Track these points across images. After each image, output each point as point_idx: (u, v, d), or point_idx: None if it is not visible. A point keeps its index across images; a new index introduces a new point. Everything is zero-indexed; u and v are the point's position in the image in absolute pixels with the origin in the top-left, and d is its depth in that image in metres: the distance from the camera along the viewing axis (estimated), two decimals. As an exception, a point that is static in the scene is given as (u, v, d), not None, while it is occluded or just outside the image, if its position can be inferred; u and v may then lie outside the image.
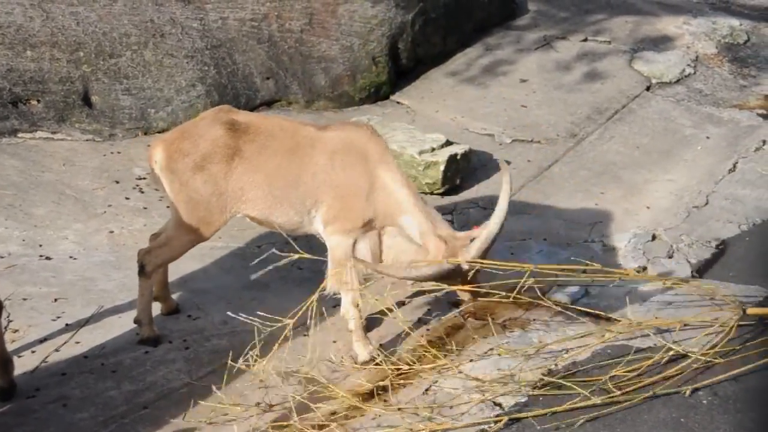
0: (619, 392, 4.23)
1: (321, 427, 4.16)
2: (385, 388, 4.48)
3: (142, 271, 4.77)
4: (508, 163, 7.22)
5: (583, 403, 4.15)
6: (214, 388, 4.28)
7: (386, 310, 4.75)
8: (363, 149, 4.69)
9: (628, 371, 4.39)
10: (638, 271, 5.71)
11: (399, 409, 4.25)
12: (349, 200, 4.62)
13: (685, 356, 4.47)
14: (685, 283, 5.29)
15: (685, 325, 4.75)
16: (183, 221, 4.65)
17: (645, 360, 4.45)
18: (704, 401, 4.20)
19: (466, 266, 4.52)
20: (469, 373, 4.53)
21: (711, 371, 4.36)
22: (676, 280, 4.95)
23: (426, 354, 4.78)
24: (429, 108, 8.23)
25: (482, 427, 4.12)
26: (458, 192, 6.75)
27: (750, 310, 4.77)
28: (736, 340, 4.67)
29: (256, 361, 4.33)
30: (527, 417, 4.13)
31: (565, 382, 4.32)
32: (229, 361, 4.29)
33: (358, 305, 4.76)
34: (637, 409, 4.17)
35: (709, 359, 4.44)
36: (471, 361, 4.68)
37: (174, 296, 5.22)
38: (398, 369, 4.59)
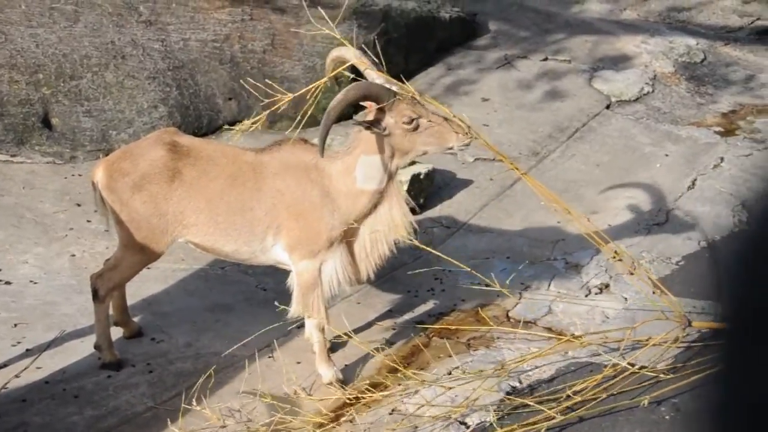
0: (580, 406, 4.27)
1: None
2: (351, 404, 4.50)
3: (95, 295, 4.73)
4: (471, 181, 7.27)
5: (547, 423, 4.16)
6: (170, 423, 4.24)
7: (345, 336, 4.74)
8: (300, 162, 4.65)
9: (587, 386, 4.42)
10: (599, 289, 5.77)
11: None
12: (308, 216, 4.57)
13: (637, 370, 4.52)
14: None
15: (635, 341, 4.81)
16: (129, 242, 4.63)
17: (600, 375, 4.49)
18: (666, 417, 4.24)
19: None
20: (433, 393, 4.54)
21: (669, 385, 4.39)
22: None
23: (390, 375, 4.78)
24: (392, 128, 8.25)
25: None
26: (422, 211, 6.77)
27: (695, 323, 4.85)
28: (687, 353, 4.75)
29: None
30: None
31: (528, 401, 4.34)
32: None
33: (323, 329, 4.76)
34: (601, 426, 4.21)
35: (656, 372, 4.49)
36: (436, 379, 4.68)
37: (137, 319, 5.19)
38: (357, 397, 4.57)
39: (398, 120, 4.41)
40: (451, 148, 4.61)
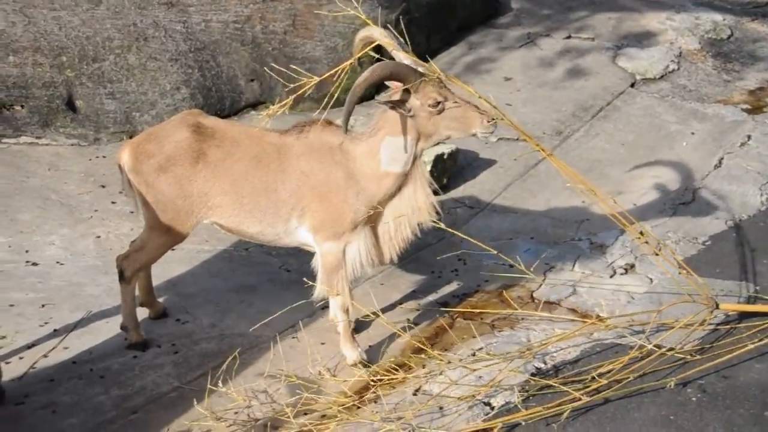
0: (605, 388, 4.27)
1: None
2: (374, 387, 4.51)
3: (122, 276, 4.77)
4: (495, 161, 7.25)
5: (572, 405, 4.15)
6: (195, 403, 4.28)
7: (373, 315, 4.76)
8: (325, 144, 4.63)
9: (613, 368, 4.40)
10: (624, 269, 5.74)
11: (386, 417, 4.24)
12: (332, 198, 4.55)
13: (665, 352, 4.49)
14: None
15: (661, 324, 4.79)
16: (154, 224, 4.66)
17: (626, 356, 4.46)
18: (693, 398, 4.22)
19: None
20: (458, 373, 4.54)
21: (695, 367, 4.37)
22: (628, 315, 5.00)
23: (414, 356, 4.79)
24: (414, 107, 8.23)
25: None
26: (446, 191, 6.76)
27: (723, 306, 4.84)
28: (714, 335, 4.74)
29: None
30: (518, 418, 4.15)
31: (552, 383, 4.33)
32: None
33: (347, 310, 4.76)
34: (627, 407, 4.19)
35: (683, 354, 4.47)
36: (461, 360, 4.68)
37: (162, 300, 5.22)
38: (380, 378, 4.55)
39: (424, 102, 4.38)
40: (474, 134, 4.55)
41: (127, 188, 4.76)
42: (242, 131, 4.77)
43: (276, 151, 4.62)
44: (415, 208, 4.66)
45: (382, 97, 4.49)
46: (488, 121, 4.44)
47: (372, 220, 4.71)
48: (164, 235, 4.70)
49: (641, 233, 4.94)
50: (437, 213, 4.69)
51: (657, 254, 5.03)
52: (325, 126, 4.72)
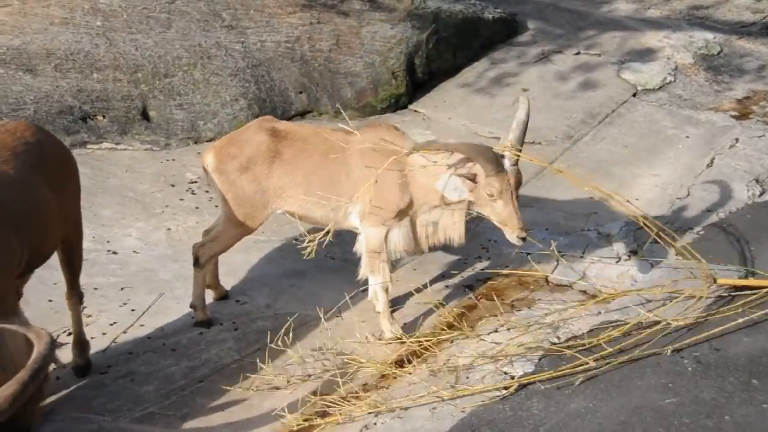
0: (611, 358, 4.22)
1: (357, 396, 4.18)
2: (409, 361, 4.48)
3: (196, 262, 4.79)
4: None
5: (583, 368, 4.13)
6: (259, 362, 4.31)
7: (419, 287, 4.82)
8: (385, 143, 4.62)
9: (618, 335, 4.38)
10: (628, 255, 5.66)
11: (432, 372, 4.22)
12: (384, 191, 4.54)
13: (661, 323, 4.44)
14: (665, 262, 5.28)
15: (670, 294, 4.70)
16: (231, 217, 4.66)
17: (629, 327, 4.45)
18: (689, 368, 4.15)
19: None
20: (482, 346, 4.51)
21: (691, 338, 4.30)
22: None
23: (443, 332, 4.76)
24: (443, 115, 8.18)
25: (496, 393, 4.10)
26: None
27: (720, 280, 4.76)
28: (708, 310, 4.66)
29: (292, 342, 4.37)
30: (534, 382, 4.11)
31: (566, 351, 4.31)
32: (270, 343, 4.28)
33: (387, 289, 4.74)
34: (631, 377, 4.13)
35: (680, 325, 4.41)
36: (488, 334, 4.65)
37: (224, 284, 5.22)
38: (414, 352, 4.55)
39: (484, 186, 4.41)
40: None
41: (211, 186, 4.78)
42: (311, 131, 4.79)
43: (341, 148, 4.60)
44: (446, 233, 4.73)
45: (461, 170, 4.46)
46: (520, 236, 4.48)
47: (414, 214, 4.70)
48: (239, 227, 4.70)
49: (645, 221, 4.88)
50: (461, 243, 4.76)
51: (658, 240, 4.96)
52: (391, 130, 4.72)
